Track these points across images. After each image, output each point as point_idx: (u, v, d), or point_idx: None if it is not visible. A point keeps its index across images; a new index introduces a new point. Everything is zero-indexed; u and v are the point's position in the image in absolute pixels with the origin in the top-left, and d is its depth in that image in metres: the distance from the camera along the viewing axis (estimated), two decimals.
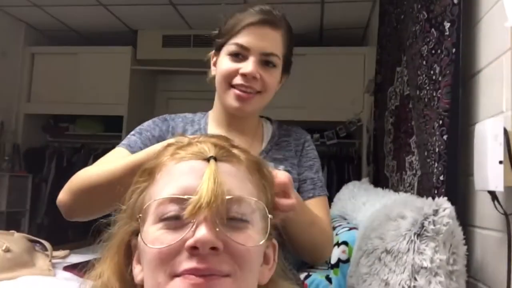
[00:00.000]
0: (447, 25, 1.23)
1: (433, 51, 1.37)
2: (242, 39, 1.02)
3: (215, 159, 0.60)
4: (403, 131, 1.90)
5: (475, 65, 1.20)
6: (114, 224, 0.67)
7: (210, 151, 0.61)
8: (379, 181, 2.44)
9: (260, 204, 0.61)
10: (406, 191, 1.80)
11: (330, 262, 1.35)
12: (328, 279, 1.33)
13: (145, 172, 0.65)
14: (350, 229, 1.38)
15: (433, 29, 1.37)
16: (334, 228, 1.47)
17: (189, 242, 0.54)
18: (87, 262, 1.85)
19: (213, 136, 0.68)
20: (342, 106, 3.64)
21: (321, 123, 3.74)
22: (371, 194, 1.69)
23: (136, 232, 0.62)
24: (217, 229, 0.54)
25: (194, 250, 0.53)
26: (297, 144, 1.15)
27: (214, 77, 1.10)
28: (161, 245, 0.55)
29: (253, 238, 0.58)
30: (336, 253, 1.31)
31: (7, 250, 1.57)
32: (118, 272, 0.64)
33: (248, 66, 1.01)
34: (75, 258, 1.90)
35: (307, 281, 1.34)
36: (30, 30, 4.06)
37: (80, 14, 3.70)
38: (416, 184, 1.71)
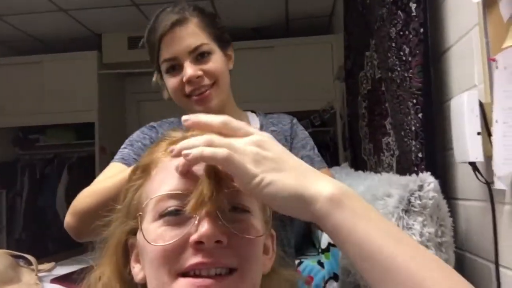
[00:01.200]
0: (413, 6, 1.26)
1: (401, 33, 1.40)
2: (165, 53, 1.03)
3: None
4: (378, 113, 1.94)
5: (444, 43, 1.24)
6: (109, 225, 0.66)
7: None
8: (357, 165, 2.48)
9: None
10: (385, 172, 1.85)
11: (320, 247, 1.38)
12: (320, 263, 1.35)
13: (139, 170, 0.64)
14: None
15: (399, 11, 1.40)
16: None
17: (194, 237, 0.53)
18: (74, 272, 1.82)
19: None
20: (314, 95, 3.68)
21: (295, 114, 3.73)
22: (353, 177, 1.72)
23: (133, 231, 0.62)
24: (220, 223, 0.54)
25: (198, 245, 0.53)
26: (286, 130, 1.16)
27: (169, 98, 1.11)
28: (164, 242, 0.54)
29: (256, 229, 0.58)
30: (326, 238, 1.34)
31: None
32: (117, 273, 0.63)
33: (186, 71, 1.02)
34: (61, 270, 1.87)
35: (300, 268, 1.36)
36: None
37: (41, 22, 3.60)
38: (394, 164, 1.75)
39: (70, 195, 3.98)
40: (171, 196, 0.56)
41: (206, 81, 1.03)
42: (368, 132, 2.21)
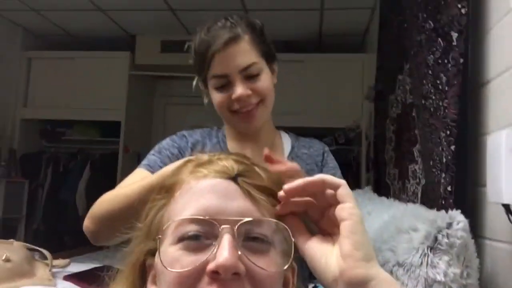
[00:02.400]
0: (454, 35, 1.23)
1: (440, 61, 1.36)
2: (216, 69, 1.03)
3: (238, 176, 0.58)
4: (406, 139, 1.90)
5: (484, 75, 1.20)
6: (129, 242, 0.65)
7: (233, 169, 0.59)
8: (380, 189, 2.43)
9: (282, 225, 0.60)
10: (409, 200, 1.80)
11: None
12: None
13: (163, 189, 0.63)
14: None
15: (439, 39, 1.36)
16: None
17: (211, 266, 0.51)
18: (87, 271, 1.81)
19: (232, 153, 0.66)
20: (341, 112, 3.64)
21: (320, 130, 3.74)
22: (376, 203, 1.68)
23: (152, 252, 0.60)
24: (240, 252, 0.52)
25: (215, 275, 0.51)
26: (317, 155, 1.15)
27: (209, 103, 1.11)
28: (181, 268, 0.53)
29: (276, 262, 0.56)
30: None
31: (7, 260, 1.54)
32: None
33: (237, 90, 1.02)
34: (75, 267, 1.87)
35: None
36: (27, 35, 4.03)
37: (77, 19, 3.68)
38: (419, 194, 1.71)
39: (91, 191, 4.07)
40: (193, 220, 0.55)
41: (254, 99, 1.04)
42: (394, 156, 2.17)
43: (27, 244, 1.77)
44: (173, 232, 0.56)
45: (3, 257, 1.53)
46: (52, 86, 3.93)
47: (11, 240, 1.77)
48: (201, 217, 0.54)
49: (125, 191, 0.94)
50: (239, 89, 1.02)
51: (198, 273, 0.52)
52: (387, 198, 1.92)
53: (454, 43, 1.22)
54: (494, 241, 1.10)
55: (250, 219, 0.54)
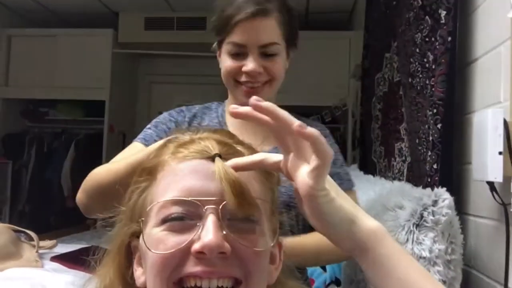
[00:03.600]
0: (442, 13, 1.22)
1: (427, 39, 1.36)
2: (236, 37, 1.01)
3: (220, 157, 0.57)
4: (393, 117, 1.91)
5: (470, 54, 1.20)
6: (113, 225, 0.65)
7: (214, 149, 0.58)
8: (366, 166, 2.46)
9: (267, 204, 0.60)
10: (395, 177, 1.82)
11: None
12: (322, 267, 1.33)
13: (144, 172, 0.62)
14: None
15: (427, 17, 1.36)
16: None
17: (196, 246, 0.51)
18: (75, 251, 1.82)
19: (216, 131, 0.65)
20: (327, 90, 3.63)
21: (306, 108, 3.73)
22: (362, 181, 1.69)
23: (137, 234, 0.60)
24: (224, 232, 0.52)
25: (201, 255, 0.51)
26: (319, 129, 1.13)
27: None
28: (165, 249, 0.53)
29: (261, 240, 0.56)
30: None
31: None
32: (119, 275, 0.62)
33: (250, 64, 1.01)
34: (62, 248, 1.87)
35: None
36: (6, 12, 3.91)
37: None
38: (405, 171, 1.72)
39: (76, 171, 4.02)
40: (176, 202, 0.55)
41: (263, 78, 1.02)
42: (380, 134, 2.18)
43: (13, 226, 1.76)
44: (157, 213, 0.56)
45: None
46: (33, 65, 3.84)
47: None
48: (185, 198, 0.54)
49: (115, 167, 0.94)
50: (252, 64, 1.00)
51: (183, 254, 0.52)
52: (373, 175, 1.95)
53: (442, 21, 1.22)
54: (478, 217, 1.12)
55: (233, 198, 0.53)
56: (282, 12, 1.03)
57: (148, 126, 1.11)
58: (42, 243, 1.79)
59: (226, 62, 1.04)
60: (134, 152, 0.99)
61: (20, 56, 3.90)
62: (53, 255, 1.76)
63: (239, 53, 1.02)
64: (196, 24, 3.61)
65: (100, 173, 0.97)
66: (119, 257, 0.61)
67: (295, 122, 0.49)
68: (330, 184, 0.53)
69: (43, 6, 3.81)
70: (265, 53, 1.01)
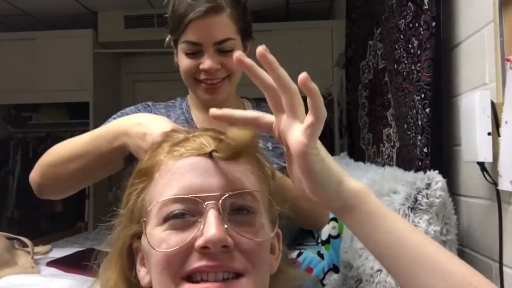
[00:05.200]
0: None
1: (411, 25, 1.38)
2: (190, 36, 1.00)
3: (216, 152, 0.58)
4: (379, 104, 1.93)
5: (454, 38, 1.22)
6: (112, 229, 0.65)
7: (210, 145, 0.59)
8: (354, 154, 2.48)
9: (265, 195, 0.61)
10: (384, 163, 1.85)
11: (321, 238, 1.38)
12: (320, 255, 1.36)
13: (140, 173, 0.63)
14: None
15: (409, 3, 1.37)
16: None
17: (199, 242, 0.53)
18: (70, 255, 1.81)
19: (207, 129, 0.66)
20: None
21: None
22: (353, 168, 1.71)
23: (138, 235, 0.61)
24: (226, 226, 0.53)
25: (204, 250, 0.53)
26: None
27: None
28: (169, 247, 0.54)
29: (262, 232, 0.58)
30: (327, 229, 1.34)
31: None
32: (123, 277, 0.62)
33: (206, 62, 1.00)
34: (57, 253, 1.86)
35: (299, 259, 1.36)
36: None
37: None
38: (395, 156, 1.75)
39: None
40: (176, 200, 0.56)
41: (221, 74, 1.02)
42: (368, 121, 2.20)
43: (6, 233, 1.74)
44: (157, 213, 0.57)
45: None
46: (14, 69, 3.78)
47: None
48: (185, 196, 0.55)
49: (70, 143, 0.95)
50: (209, 61, 1.00)
51: (187, 251, 0.54)
52: (363, 162, 1.97)
53: (426, 7, 1.24)
54: (469, 197, 1.14)
55: (233, 192, 0.55)
56: (233, 7, 1.03)
57: (113, 116, 1.10)
58: (36, 249, 1.78)
59: (183, 62, 1.04)
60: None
61: None
62: (48, 260, 1.75)
63: (195, 52, 1.01)
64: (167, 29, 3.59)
65: (55, 150, 0.97)
66: (121, 259, 0.62)
67: (300, 75, 0.52)
68: (320, 145, 0.55)
69: (21, 9, 3.74)
70: (221, 49, 1.01)
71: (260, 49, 0.52)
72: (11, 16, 3.85)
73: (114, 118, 1.09)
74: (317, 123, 0.51)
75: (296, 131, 0.53)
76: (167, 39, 1.10)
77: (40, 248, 1.81)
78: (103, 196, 3.44)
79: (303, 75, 0.51)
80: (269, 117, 0.58)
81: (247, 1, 1.09)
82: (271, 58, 0.53)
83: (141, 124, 0.84)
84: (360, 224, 0.55)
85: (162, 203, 0.56)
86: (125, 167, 0.96)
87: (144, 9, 3.75)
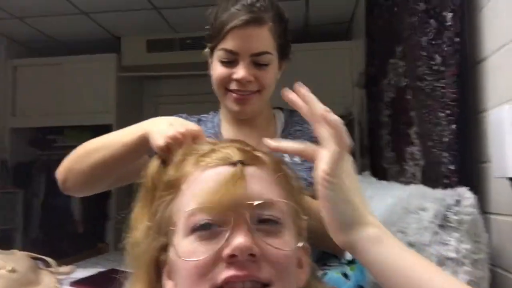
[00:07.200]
0: (448, 15, 1.24)
1: (433, 42, 1.37)
2: (228, 44, 1.00)
3: (242, 163, 0.59)
4: (402, 122, 1.91)
5: (480, 52, 1.21)
6: (133, 244, 0.65)
7: (236, 156, 0.60)
8: (376, 173, 2.45)
9: (292, 206, 0.61)
10: (408, 182, 1.81)
11: (345, 258, 1.35)
12: (345, 275, 1.32)
13: (168, 185, 0.63)
14: None
15: (431, 20, 1.37)
16: None
17: (227, 251, 0.52)
18: (93, 275, 1.80)
19: (232, 141, 0.67)
20: (332, 100, 3.61)
21: None
22: (376, 187, 1.69)
23: (165, 248, 0.61)
24: (252, 236, 0.53)
25: (232, 259, 0.52)
26: (312, 130, 1.14)
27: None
28: (197, 257, 0.54)
29: (289, 242, 0.57)
30: None
31: (13, 271, 1.53)
32: None
33: (240, 72, 1.00)
34: (81, 273, 1.86)
35: (324, 279, 1.33)
36: (11, 43, 3.96)
37: (61, 24, 3.63)
38: (419, 174, 1.72)
39: (85, 196, 4.03)
40: (203, 209, 0.56)
41: (253, 87, 1.02)
42: (390, 140, 2.18)
43: (31, 253, 1.76)
44: (185, 223, 0.57)
45: (9, 268, 1.51)
46: (39, 93, 3.87)
47: (13, 250, 1.75)
48: (211, 205, 0.55)
49: (97, 138, 0.98)
50: (243, 72, 1.00)
51: (215, 260, 0.53)
52: (386, 181, 1.94)
53: (448, 23, 1.23)
54: (499, 215, 1.11)
55: (260, 201, 0.55)
56: (276, 22, 1.03)
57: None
58: (60, 269, 1.79)
59: (216, 70, 1.04)
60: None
61: (26, 85, 3.94)
62: (71, 280, 1.76)
63: (231, 61, 1.01)
64: (198, 43, 3.65)
65: (81, 147, 0.99)
66: (148, 272, 0.62)
67: (321, 107, 0.57)
68: (349, 177, 0.56)
69: (47, 35, 3.87)
70: (257, 62, 1.01)
71: (297, 85, 0.59)
72: (39, 42, 3.98)
73: None
74: (338, 152, 0.54)
75: (321, 158, 0.55)
76: (205, 50, 1.11)
77: (63, 269, 1.82)
78: (123, 218, 3.46)
79: (321, 110, 0.56)
80: (312, 148, 0.60)
81: (289, 20, 1.09)
82: (305, 92, 0.59)
83: (163, 119, 0.88)
84: (372, 264, 0.55)
85: (189, 213, 0.56)
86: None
87: (166, 33, 3.83)
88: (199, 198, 0.57)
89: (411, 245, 0.99)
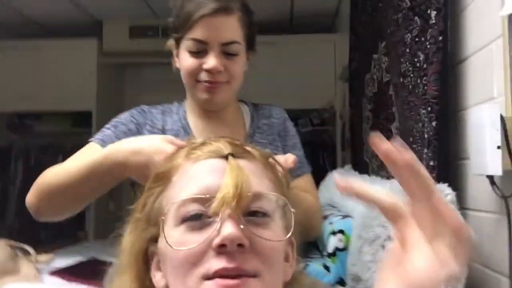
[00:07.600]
0: (433, 13, 1.25)
1: (417, 39, 1.39)
2: (197, 33, 0.99)
3: (233, 156, 0.60)
4: (384, 117, 1.94)
5: (462, 52, 1.23)
6: (120, 234, 0.65)
7: (227, 149, 0.61)
8: (357, 166, 2.48)
9: (282, 199, 0.62)
10: (389, 176, 1.84)
11: (326, 251, 1.37)
12: (326, 267, 1.35)
13: (158, 177, 0.64)
14: (344, 217, 1.40)
15: (416, 17, 1.39)
16: (326, 217, 1.49)
17: (216, 240, 0.53)
18: (74, 265, 1.80)
19: (221, 136, 0.68)
20: (315, 93, 3.66)
21: (295, 111, 3.75)
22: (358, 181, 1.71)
23: (154, 239, 0.61)
24: (242, 226, 0.54)
25: (221, 248, 0.53)
26: (278, 124, 1.15)
27: (178, 69, 1.08)
28: (187, 247, 0.54)
29: (277, 234, 0.58)
30: (333, 242, 1.33)
31: None
32: (139, 282, 0.62)
33: (210, 61, 0.99)
34: (59, 262, 1.85)
35: (306, 271, 1.35)
36: None
37: (40, 5, 3.53)
38: None
39: None
40: (194, 200, 0.57)
41: (223, 77, 1.02)
42: (371, 134, 2.21)
43: (10, 241, 1.74)
44: (175, 213, 0.57)
45: None
46: (17, 77, 3.78)
47: None
48: (202, 196, 0.56)
49: (68, 167, 0.93)
50: (214, 61, 0.98)
51: (204, 250, 0.54)
52: (368, 175, 1.97)
53: (433, 21, 1.25)
54: (478, 211, 1.14)
55: (249, 193, 0.56)
56: (244, 12, 1.03)
57: (107, 125, 1.09)
58: (39, 258, 1.77)
59: (186, 61, 1.02)
60: (91, 153, 0.98)
61: (2, 69, 3.84)
62: (51, 269, 1.75)
63: (200, 51, 1.00)
64: (168, 32, 3.61)
65: (54, 175, 0.95)
66: (137, 264, 0.62)
67: (436, 194, 0.43)
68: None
69: (25, 16, 3.77)
70: (226, 51, 1.00)
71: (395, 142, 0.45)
72: (17, 23, 3.87)
73: (108, 128, 1.08)
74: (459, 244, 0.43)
75: (438, 248, 0.43)
76: (168, 42, 1.10)
77: (42, 257, 1.80)
78: (103, 205, 3.42)
79: (436, 198, 0.44)
80: (388, 201, 0.47)
81: (254, 13, 1.10)
82: (410, 159, 0.45)
83: (140, 153, 0.83)
84: None
85: (179, 204, 0.57)
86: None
87: (149, 19, 3.77)
88: (189, 189, 0.58)
89: (391, 238, 1.01)
